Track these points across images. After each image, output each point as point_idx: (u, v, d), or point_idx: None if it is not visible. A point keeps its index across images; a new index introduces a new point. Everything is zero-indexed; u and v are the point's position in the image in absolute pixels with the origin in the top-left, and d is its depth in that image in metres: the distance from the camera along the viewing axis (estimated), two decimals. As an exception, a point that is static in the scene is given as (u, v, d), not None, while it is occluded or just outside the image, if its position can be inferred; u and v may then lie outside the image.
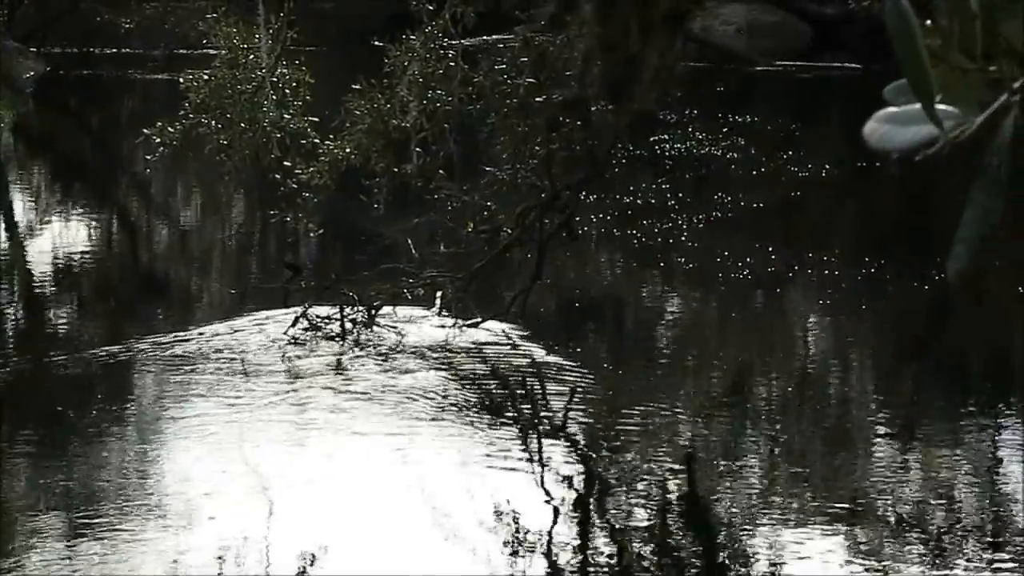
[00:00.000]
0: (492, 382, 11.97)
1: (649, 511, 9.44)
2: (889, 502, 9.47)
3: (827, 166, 20.29)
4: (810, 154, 21.06)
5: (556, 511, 9.38)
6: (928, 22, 1.83)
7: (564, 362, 12.39)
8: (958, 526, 9.14)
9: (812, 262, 15.37)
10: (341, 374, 12.01)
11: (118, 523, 8.90)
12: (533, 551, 8.83)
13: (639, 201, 17.88)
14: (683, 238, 16.33)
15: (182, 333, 12.97)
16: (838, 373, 12.96)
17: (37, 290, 15.42)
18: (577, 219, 13.71)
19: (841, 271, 15.03)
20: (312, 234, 15.01)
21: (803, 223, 18.79)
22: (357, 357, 12.43)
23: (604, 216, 17.18)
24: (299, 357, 12.40)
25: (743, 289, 14.71)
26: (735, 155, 21.25)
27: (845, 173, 20.22)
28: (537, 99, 13.25)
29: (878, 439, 10.98)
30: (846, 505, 9.41)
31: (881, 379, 12.66)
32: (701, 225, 16.86)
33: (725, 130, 22.75)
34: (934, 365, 13.08)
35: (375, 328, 12.99)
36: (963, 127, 1.73)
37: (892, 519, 9.20)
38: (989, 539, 8.97)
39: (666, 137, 21.81)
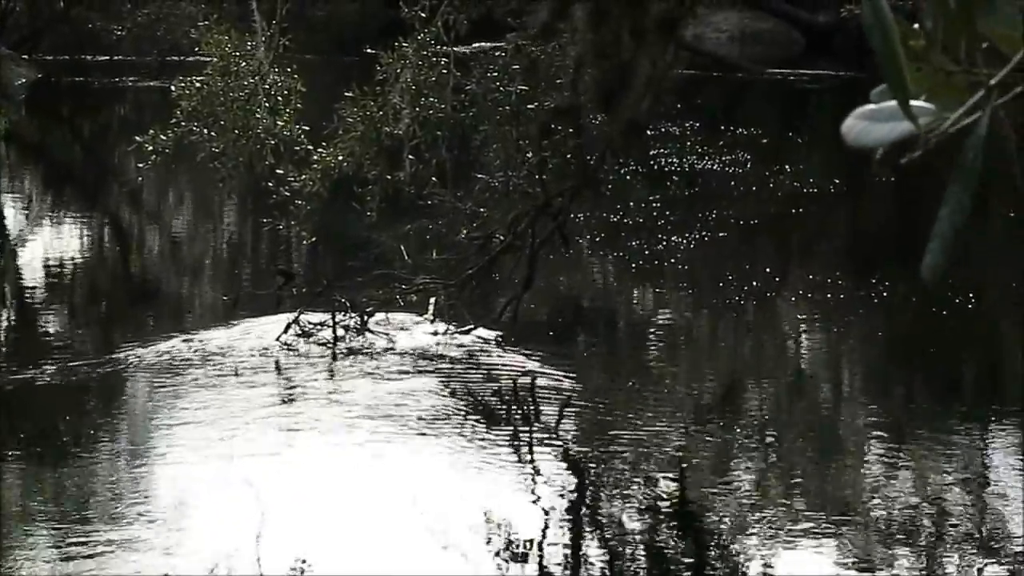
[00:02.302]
0: (483, 389, 11.97)
1: (640, 518, 9.45)
2: (881, 510, 9.49)
3: (836, 181, 19.70)
4: (813, 167, 20.64)
5: (547, 518, 9.39)
6: (916, 25, 1.84)
7: (555, 369, 12.40)
8: (949, 533, 9.16)
9: (815, 283, 15.31)
10: (333, 380, 12.02)
11: (109, 529, 8.90)
12: (524, 558, 8.83)
13: (626, 221, 17.56)
14: (674, 259, 16.12)
15: (175, 339, 12.97)
16: (832, 395, 12.99)
17: (28, 297, 15.41)
18: (561, 241, 13.67)
19: (841, 291, 14.99)
20: (305, 241, 15.01)
21: (808, 240, 18.64)
22: (349, 363, 12.44)
23: (595, 236, 17.05)
24: (291, 363, 12.41)
25: (738, 313, 14.68)
26: (737, 169, 20.84)
27: (851, 187, 19.69)
28: (529, 106, 13.26)
29: (871, 454, 11.01)
30: (837, 513, 9.43)
31: (876, 397, 12.69)
32: (693, 245, 16.59)
33: (720, 143, 22.41)
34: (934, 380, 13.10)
35: (367, 334, 12.99)
36: (939, 123, 1.74)
37: (883, 526, 9.23)
38: (979, 546, 8.99)
39: (664, 151, 21.52)
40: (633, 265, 16.01)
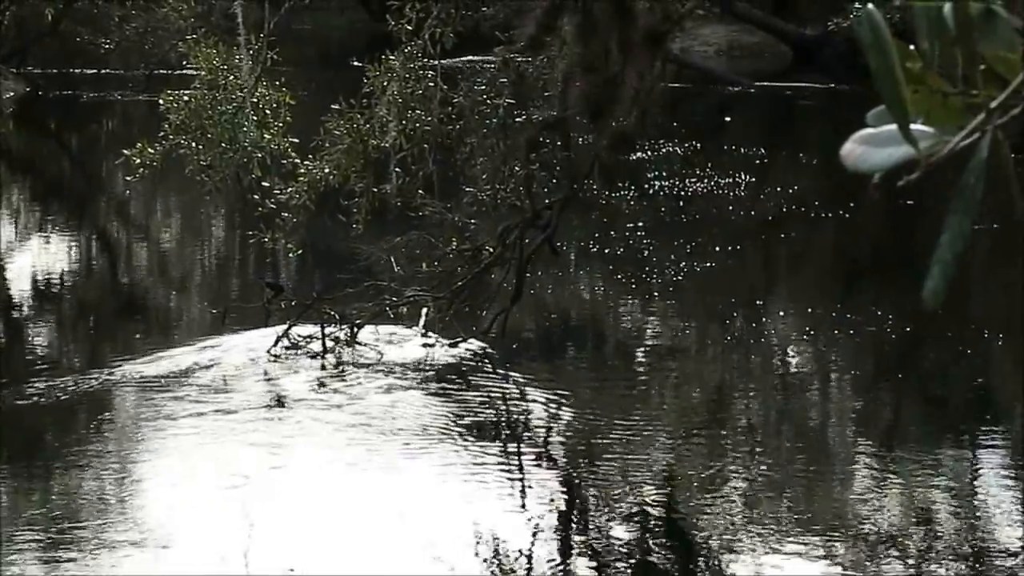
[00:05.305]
0: (472, 401, 11.96)
1: (629, 531, 9.44)
2: (870, 523, 9.50)
3: (851, 203, 18.97)
4: (815, 189, 20.13)
5: (535, 530, 9.38)
6: (911, 47, 1.82)
7: (544, 381, 12.40)
8: (938, 548, 9.16)
9: (812, 304, 15.17)
10: (322, 393, 12.01)
11: (96, 545, 8.88)
12: (513, 570, 8.82)
13: (608, 250, 17.10)
14: (667, 288, 15.90)
15: (163, 353, 12.95)
16: (820, 413, 13.00)
17: (16, 312, 15.38)
18: (550, 253, 13.64)
19: (833, 312, 14.92)
20: (292, 254, 15.00)
21: (806, 264, 18.48)
22: (338, 376, 12.42)
23: (583, 264, 16.90)
24: (281, 376, 12.39)
25: (730, 338, 14.67)
26: (737, 192, 20.31)
27: (855, 210, 18.99)
28: (517, 119, 13.27)
29: (859, 469, 11.03)
30: (826, 525, 9.43)
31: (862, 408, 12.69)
32: (686, 272, 16.23)
33: (716, 163, 21.98)
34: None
35: (357, 347, 12.98)
36: (939, 147, 1.72)
37: (872, 540, 9.23)
38: (969, 561, 8.99)
39: (661, 172, 21.13)
40: (622, 294, 15.88)
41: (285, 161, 14.25)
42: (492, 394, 12.16)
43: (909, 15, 1.81)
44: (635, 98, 12.22)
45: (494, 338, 13.02)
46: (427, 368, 12.64)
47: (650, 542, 9.34)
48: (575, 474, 10.58)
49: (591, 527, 9.56)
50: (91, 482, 10.05)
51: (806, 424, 12.03)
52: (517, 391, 12.18)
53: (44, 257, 17.81)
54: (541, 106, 13.19)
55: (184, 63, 16.52)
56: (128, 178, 16.33)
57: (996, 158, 1.68)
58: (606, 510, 9.77)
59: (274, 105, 14.57)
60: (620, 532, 9.43)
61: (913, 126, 1.73)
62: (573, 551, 9.22)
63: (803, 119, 30.44)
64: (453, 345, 13.01)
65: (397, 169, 13.43)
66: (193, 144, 14.28)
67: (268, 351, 12.84)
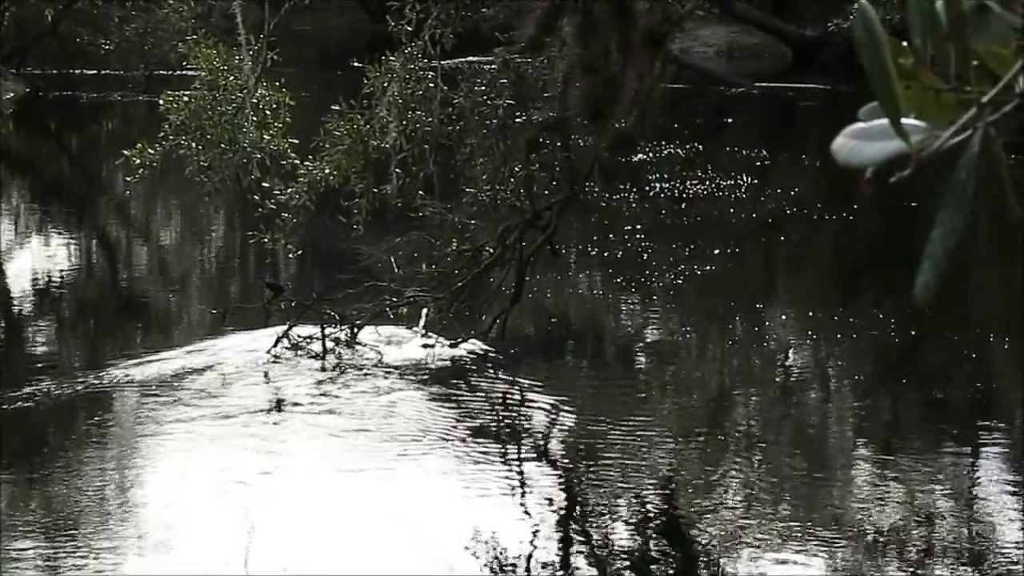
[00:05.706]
0: (472, 402, 11.96)
1: (629, 531, 9.44)
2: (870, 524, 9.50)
3: (855, 205, 18.72)
4: (819, 191, 20.00)
5: (535, 530, 9.38)
6: (904, 44, 1.82)
7: (544, 382, 12.40)
8: (938, 549, 9.16)
9: (808, 305, 15.20)
10: (322, 394, 12.00)
11: (94, 547, 8.87)
12: (514, 570, 8.82)
13: (607, 254, 17.06)
14: (667, 291, 15.86)
15: (163, 354, 12.95)
16: (820, 413, 12.99)
17: (16, 313, 15.37)
18: (550, 253, 13.64)
19: (831, 313, 14.92)
20: (292, 254, 15.00)
21: (805, 265, 18.45)
22: (338, 377, 12.42)
23: (580, 269, 16.88)
24: (281, 376, 12.38)
25: (727, 342, 14.66)
26: (739, 194, 20.17)
27: (858, 211, 19.04)
28: (517, 120, 13.27)
29: (859, 471, 11.03)
30: (827, 527, 9.43)
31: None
32: (686, 274, 16.14)
33: (718, 164, 21.87)
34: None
35: (357, 347, 12.98)
36: (930, 141, 1.72)
37: (872, 541, 9.23)
38: (968, 562, 8.99)
39: (663, 175, 21.04)
40: (622, 296, 15.85)
41: (285, 162, 14.24)
42: (492, 395, 12.16)
43: (906, 14, 1.81)
44: (635, 99, 12.23)
45: (494, 339, 13.02)
46: (427, 369, 12.64)
47: (650, 543, 9.34)
48: (575, 475, 10.57)
49: (591, 527, 9.56)
50: (89, 484, 10.04)
51: (807, 426, 12.03)
52: (517, 392, 12.16)
53: (44, 258, 17.81)
54: (541, 107, 13.19)
55: (184, 64, 16.50)
56: (128, 179, 16.32)
57: (988, 154, 1.68)
58: (606, 511, 9.77)
59: (274, 106, 14.56)
60: (620, 533, 9.43)
61: (905, 120, 1.73)
62: (573, 551, 9.21)
63: (804, 120, 30.42)
64: (453, 346, 13.01)
65: (397, 170, 13.42)
66: (193, 145, 14.28)
67: (268, 352, 12.84)
